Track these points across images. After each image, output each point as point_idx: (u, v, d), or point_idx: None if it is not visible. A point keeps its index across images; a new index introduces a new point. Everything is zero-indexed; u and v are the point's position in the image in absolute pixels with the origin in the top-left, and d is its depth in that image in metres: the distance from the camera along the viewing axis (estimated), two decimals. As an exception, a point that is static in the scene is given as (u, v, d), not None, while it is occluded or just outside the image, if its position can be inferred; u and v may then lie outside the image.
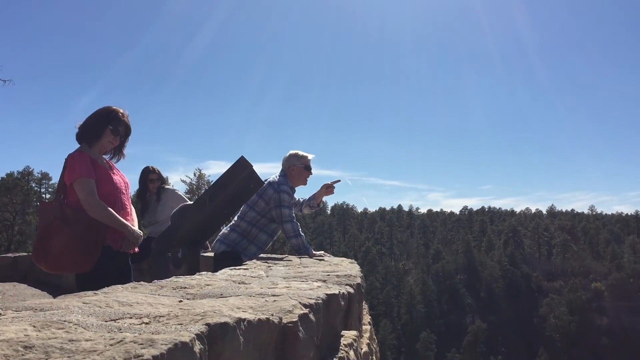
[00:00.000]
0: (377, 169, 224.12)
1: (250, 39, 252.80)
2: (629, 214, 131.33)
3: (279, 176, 5.22)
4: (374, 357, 4.36)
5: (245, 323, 1.41)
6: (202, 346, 1.16)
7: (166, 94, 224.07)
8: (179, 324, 1.28)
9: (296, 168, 5.22)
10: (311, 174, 5.36)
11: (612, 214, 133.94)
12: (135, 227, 4.13)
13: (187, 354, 1.08)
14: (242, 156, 5.37)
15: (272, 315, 1.55)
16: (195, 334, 1.15)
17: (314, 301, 1.90)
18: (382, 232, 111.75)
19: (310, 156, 5.33)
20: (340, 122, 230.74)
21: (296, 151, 5.33)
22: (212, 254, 5.82)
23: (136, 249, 4.16)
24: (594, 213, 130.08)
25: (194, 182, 14.12)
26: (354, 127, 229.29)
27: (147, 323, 1.32)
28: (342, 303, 2.38)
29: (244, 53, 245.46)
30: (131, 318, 1.38)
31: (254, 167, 5.50)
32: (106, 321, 1.32)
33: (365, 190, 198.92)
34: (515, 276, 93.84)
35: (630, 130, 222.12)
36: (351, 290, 2.75)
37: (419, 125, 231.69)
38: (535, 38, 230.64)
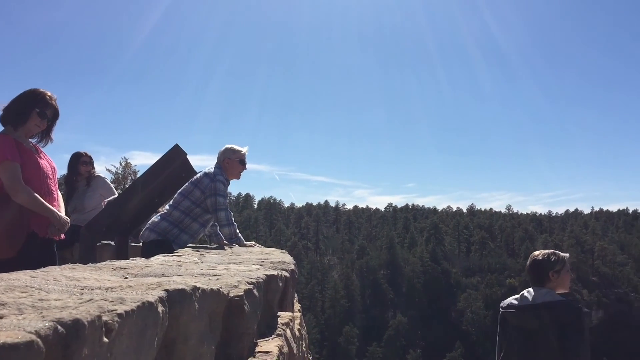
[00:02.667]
0: (305, 165, 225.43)
1: (184, 32, 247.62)
2: (542, 213, 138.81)
3: (215, 168, 5.21)
4: (303, 343, 4.49)
5: (199, 291, 1.48)
6: (163, 308, 1.24)
7: (91, 82, 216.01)
8: (138, 291, 1.34)
9: (231, 161, 5.22)
10: (245, 168, 5.38)
11: (527, 213, 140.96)
12: (62, 213, 4.02)
13: (152, 313, 1.17)
14: (177, 144, 5.35)
15: (222, 287, 1.63)
16: (159, 297, 1.23)
17: (256, 280, 2.00)
18: (308, 227, 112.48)
19: (244, 150, 5.36)
20: (271, 117, 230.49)
21: (232, 145, 5.34)
22: (140, 244, 5.72)
23: (62, 236, 4.05)
24: (510, 212, 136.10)
25: (119, 172, 13.71)
26: (284, 122, 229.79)
27: (106, 289, 1.37)
28: (280, 284, 2.48)
29: (177, 45, 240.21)
30: (86, 288, 1.40)
31: (187, 156, 5.50)
32: (65, 289, 1.35)
33: (293, 185, 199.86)
34: (436, 272, 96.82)
35: (544, 135, 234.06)
36: (287, 275, 2.86)
37: (348, 123, 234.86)
38: (464, 41, 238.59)
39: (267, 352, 1.85)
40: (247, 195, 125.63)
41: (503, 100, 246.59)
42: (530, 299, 3.70)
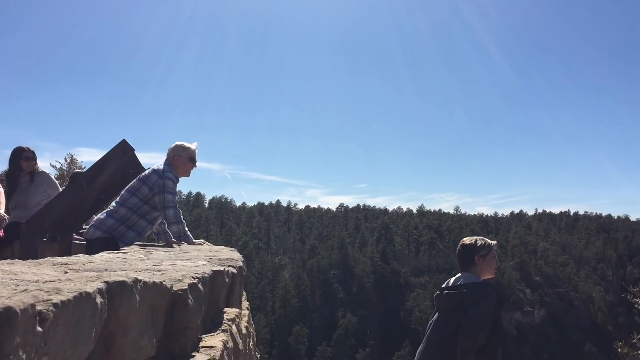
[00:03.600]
0: (257, 164, 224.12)
1: (136, 27, 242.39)
2: (489, 215, 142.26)
3: (164, 164, 5.13)
4: (251, 341, 4.48)
5: (141, 284, 1.46)
6: (102, 299, 1.23)
7: (37, 77, 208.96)
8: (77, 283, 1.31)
9: (180, 158, 5.14)
10: (195, 166, 5.31)
11: (474, 214, 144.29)
12: (1, 210, 3.89)
13: (90, 304, 1.16)
14: (124, 139, 5.24)
15: (165, 280, 1.62)
16: (97, 288, 1.22)
17: (201, 275, 1.99)
18: (259, 226, 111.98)
19: (194, 147, 5.28)
20: (224, 115, 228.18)
21: (182, 142, 5.25)
22: (84, 241, 5.56)
23: (1, 233, 3.92)
24: (458, 213, 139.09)
25: (64, 168, 13.27)
26: (237, 121, 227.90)
27: (44, 282, 1.35)
28: (227, 280, 2.47)
29: (126, 37, 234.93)
30: (23, 281, 1.39)
31: (135, 152, 5.39)
32: (0, 281, 1.34)
33: (245, 185, 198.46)
34: (386, 272, 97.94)
35: (492, 138, 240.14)
36: (234, 271, 2.85)
37: (301, 123, 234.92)
38: (420, 44, 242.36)
39: (211, 347, 1.85)
40: (198, 194, 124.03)
41: (453, 103, 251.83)
42: (452, 283, 3.86)
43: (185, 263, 2.50)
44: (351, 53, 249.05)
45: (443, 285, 3.99)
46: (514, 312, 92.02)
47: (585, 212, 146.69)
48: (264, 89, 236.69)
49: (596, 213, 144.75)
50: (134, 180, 5.10)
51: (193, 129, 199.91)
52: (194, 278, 1.87)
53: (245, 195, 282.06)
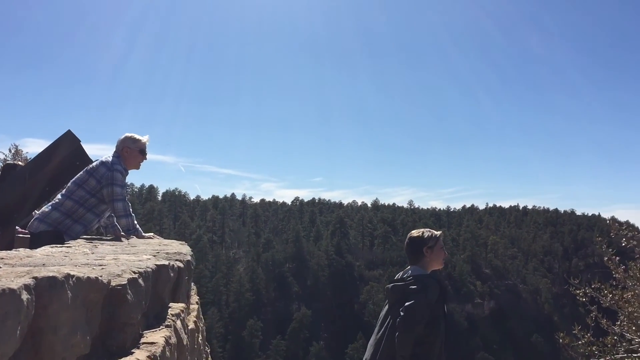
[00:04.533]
0: (212, 157, 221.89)
1: (88, 17, 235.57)
2: (442, 209, 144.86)
3: (112, 156, 5.00)
4: (200, 335, 4.42)
5: (73, 279, 1.42)
6: (29, 296, 1.18)
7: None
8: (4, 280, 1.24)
9: (130, 150, 5.02)
10: (145, 158, 5.20)
11: (427, 208, 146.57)
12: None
13: (15, 301, 1.11)
14: (69, 130, 5.06)
15: (102, 276, 1.57)
16: (24, 284, 1.17)
17: (144, 270, 1.94)
18: (214, 220, 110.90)
19: (144, 139, 5.17)
20: (177, 107, 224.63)
21: (132, 134, 5.13)
22: (28, 235, 5.37)
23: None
24: (412, 207, 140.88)
25: (9, 159, 12.81)
26: (191, 113, 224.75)
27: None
28: (172, 275, 2.42)
29: (78, 24, 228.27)
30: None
31: (81, 143, 5.22)
32: None
33: (199, 178, 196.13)
34: (340, 265, 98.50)
35: (445, 133, 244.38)
36: (181, 265, 2.79)
37: (256, 116, 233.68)
38: (378, 37, 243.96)
39: (152, 343, 1.80)
40: (151, 186, 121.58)
41: (409, 98, 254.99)
42: (400, 276, 3.92)
43: (129, 257, 2.44)
44: (309, 46, 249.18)
45: (395, 278, 4.03)
46: (464, 304, 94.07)
47: (534, 206, 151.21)
48: (221, 81, 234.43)
49: (544, 207, 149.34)
50: (81, 172, 4.96)
51: (146, 120, 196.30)
52: (135, 273, 1.82)
53: (199, 189, 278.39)
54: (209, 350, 5.57)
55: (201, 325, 4.68)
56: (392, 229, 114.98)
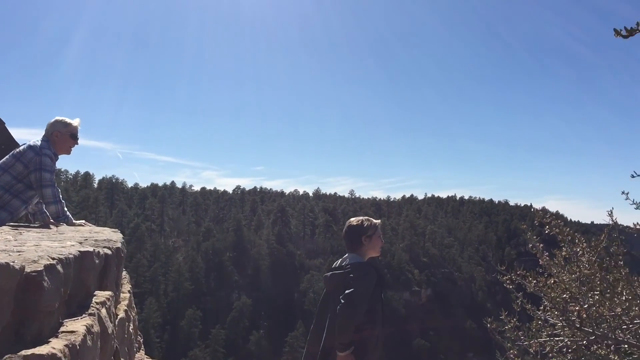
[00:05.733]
0: (151, 144, 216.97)
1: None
2: (382, 198, 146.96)
3: (42, 140, 4.80)
4: (131, 325, 4.32)
5: (-20, 266, 1.38)
6: None
7: None
8: None
9: (61, 135, 4.84)
10: (77, 143, 5.02)
11: (368, 198, 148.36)
12: None
13: None
14: (-7, 111, 4.84)
15: (14, 261, 1.49)
16: None
17: (64, 256, 1.86)
18: (153, 208, 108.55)
19: (75, 122, 4.99)
20: (116, 92, 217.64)
21: (63, 117, 4.94)
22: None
23: None
24: (353, 197, 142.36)
25: None
26: (129, 98, 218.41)
27: None
28: (97, 262, 2.35)
29: (10, 6, 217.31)
30: None
31: (6, 125, 5.01)
32: None
33: (137, 165, 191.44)
34: (281, 254, 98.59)
35: (385, 124, 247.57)
36: (108, 252, 2.71)
37: (198, 102, 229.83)
38: (328, 27, 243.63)
39: (72, 332, 1.73)
40: (87, 173, 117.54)
41: (351, 87, 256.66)
42: (338, 264, 3.96)
43: (52, 244, 2.34)
44: (252, 32, 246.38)
45: (332, 267, 4.05)
46: (402, 292, 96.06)
47: (470, 196, 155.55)
48: (162, 66, 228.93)
49: (479, 198, 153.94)
50: (7, 157, 4.75)
51: (82, 106, 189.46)
52: (53, 259, 1.74)
53: (137, 176, 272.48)
54: (141, 340, 5.46)
55: (133, 314, 4.57)
56: (333, 218, 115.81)
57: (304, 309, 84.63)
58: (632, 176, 2.37)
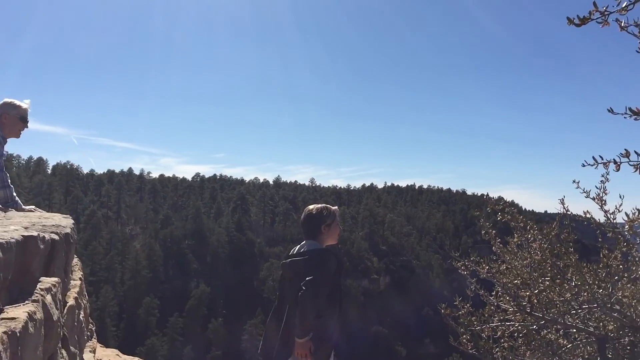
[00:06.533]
0: (107, 129, 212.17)
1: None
2: (342, 187, 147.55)
3: None
4: (82, 312, 4.22)
5: None
6: None
7: None
8: None
9: (10, 117, 4.67)
10: (27, 126, 4.86)
11: (328, 186, 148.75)
12: None
13: None
14: None
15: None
16: None
17: (5, 240, 1.78)
18: (109, 195, 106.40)
19: (25, 105, 4.82)
20: (70, 74, 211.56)
21: (12, 99, 4.77)
22: None
23: None
24: (313, 185, 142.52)
25: None
26: (86, 81, 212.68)
27: None
28: (42, 247, 2.26)
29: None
30: None
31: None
32: None
33: (93, 151, 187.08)
34: (241, 242, 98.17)
35: (346, 112, 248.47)
36: (56, 237, 2.63)
37: (156, 87, 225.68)
38: (286, 13, 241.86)
39: (12, 319, 1.66)
40: (40, 159, 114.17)
41: (312, 75, 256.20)
42: (296, 251, 3.95)
43: (-6, 228, 2.25)
44: (213, 16, 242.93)
45: (289, 254, 4.04)
46: (361, 280, 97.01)
47: (429, 186, 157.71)
48: (118, 48, 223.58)
49: (438, 187, 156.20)
50: (-47, 140, 4.57)
51: (34, 88, 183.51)
52: (-8, 243, 1.67)
53: (93, 162, 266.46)
54: (94, 328, 5.34)
55: (84, 302, 4.47)
56: (293, 206, 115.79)
57: (264, 296, 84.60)
58: (583, 165, 2.42)
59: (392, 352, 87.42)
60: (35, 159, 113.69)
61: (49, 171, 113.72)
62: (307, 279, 3.60)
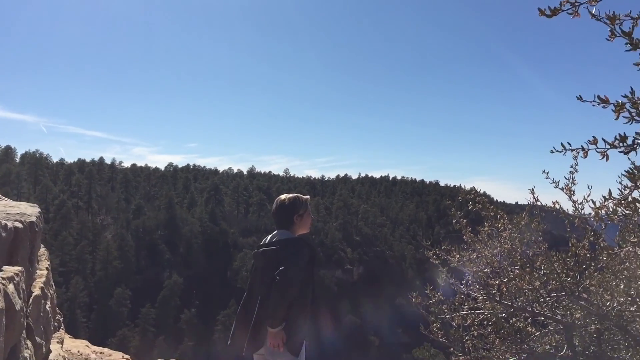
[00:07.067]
0: (78, 118, 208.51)
1: None
2: (316, 177, 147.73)
3: None
4: (48, 303, 4.14)
5: None
6: None
7: None
8: None
9: None
10: None
11: (302, 177, 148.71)
12: None
13: None
14: None
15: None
16: None
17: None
18: (80, 185, 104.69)
19: None
20: (40, 61, 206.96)
21: None
22: None
23: None
24: (287, 176, 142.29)
25: None
26: (56, 68, 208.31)
27: None
28: (4, 235, 2.20)
29: None
30: None
31: None
32: None
33: (63, 140, 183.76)
34: (214, 232, 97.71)
35: (320, 104, 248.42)
36: (19, 226, 2.56)
37: (129, 76, 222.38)
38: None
39: (-30, 308, 1.61)
40: (8, 147, 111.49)
41: (287, 65, 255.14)
42: (268, 240, 3.93)
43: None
44: (182, 7, 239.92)
45: (260, 243, 4.01)
46: (335, 270, 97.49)
47: (402, 177, 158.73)
48: (87, 36, 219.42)
49: (411, 178, 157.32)
50: None
51: (1, 76, 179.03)
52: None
53: (63, 151, 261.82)
54: (61, 319, 5.26)
55: (51, 292, 4.38)
56: (267, 197, 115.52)
57: (237, 287, 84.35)
58: (551, 151, 2.44)
59: (365, 342, 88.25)
60: (3, 147, 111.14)
61: (18, 160, 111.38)
62: (280, 268, 3.58)
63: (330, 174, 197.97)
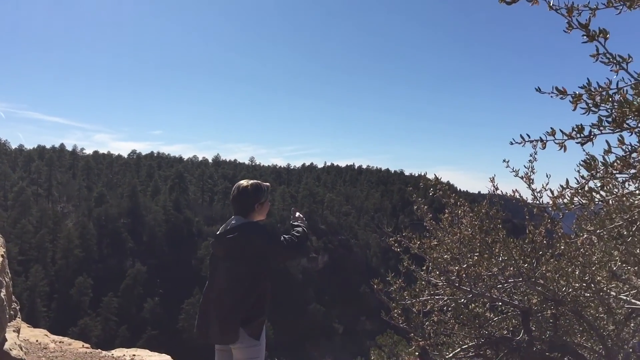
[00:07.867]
0: (38, 103, 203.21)
1: None
2: (282, 166, 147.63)
3: None
4: (3, 290, 4.05)
5: None
6: None
7: None
8: None
9: None
10: None
11: (268, 165, 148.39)
12: None
13: None
14: None
15: None
16: None
17: None
18: (39, 172, 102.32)
19: None
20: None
21: None
22: None
23: None
24: (253, 164, 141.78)
25: None
26: (13, 51, 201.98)
27: None
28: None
29: None
30: None
31: None
32: None
33: (22, 125, 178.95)
34: (179, 220, 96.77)
35: (288, 90, 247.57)
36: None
37: (90, 60, 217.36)
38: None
39: None
40: None
41: (254, 54, 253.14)
42: (226, 228, 3.92)
43: None
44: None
45: (218, 232, 3.98)
46: (300, 259, 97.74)
47: (368, 166, 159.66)
48: (47, 19, 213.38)
49: (376, 167, 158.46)
50: None
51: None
52: None
53: (22, 137, 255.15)
54: (18, 307, 5.15)
55: (7, 279, 4.28)
56: (232, 185, 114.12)
57: (201, 275, 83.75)
58: (511, 143, 2.49)
59: (329, 329, 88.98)
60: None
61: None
62: (268, 246, 3.78)
63: (296, 163, 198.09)
